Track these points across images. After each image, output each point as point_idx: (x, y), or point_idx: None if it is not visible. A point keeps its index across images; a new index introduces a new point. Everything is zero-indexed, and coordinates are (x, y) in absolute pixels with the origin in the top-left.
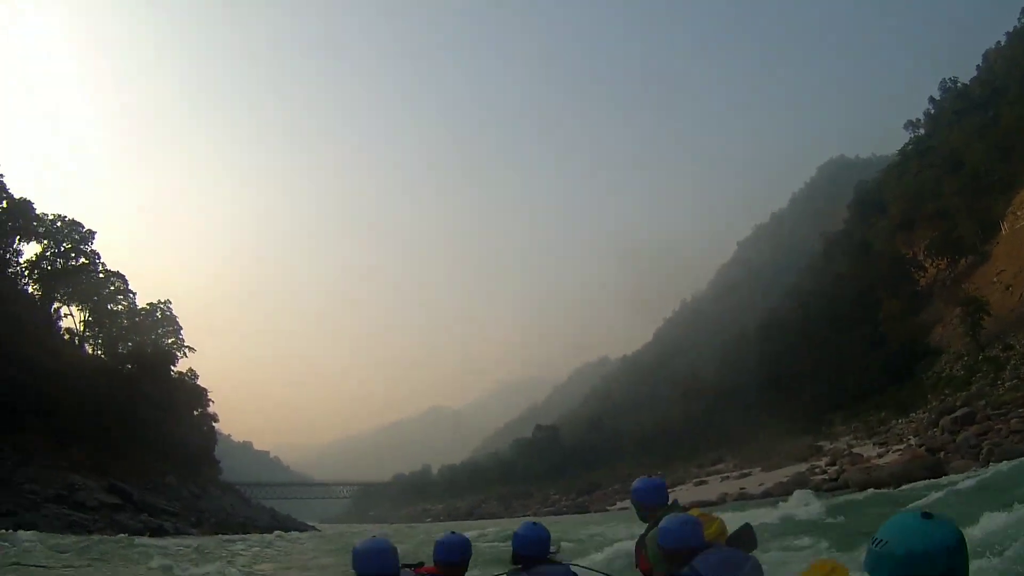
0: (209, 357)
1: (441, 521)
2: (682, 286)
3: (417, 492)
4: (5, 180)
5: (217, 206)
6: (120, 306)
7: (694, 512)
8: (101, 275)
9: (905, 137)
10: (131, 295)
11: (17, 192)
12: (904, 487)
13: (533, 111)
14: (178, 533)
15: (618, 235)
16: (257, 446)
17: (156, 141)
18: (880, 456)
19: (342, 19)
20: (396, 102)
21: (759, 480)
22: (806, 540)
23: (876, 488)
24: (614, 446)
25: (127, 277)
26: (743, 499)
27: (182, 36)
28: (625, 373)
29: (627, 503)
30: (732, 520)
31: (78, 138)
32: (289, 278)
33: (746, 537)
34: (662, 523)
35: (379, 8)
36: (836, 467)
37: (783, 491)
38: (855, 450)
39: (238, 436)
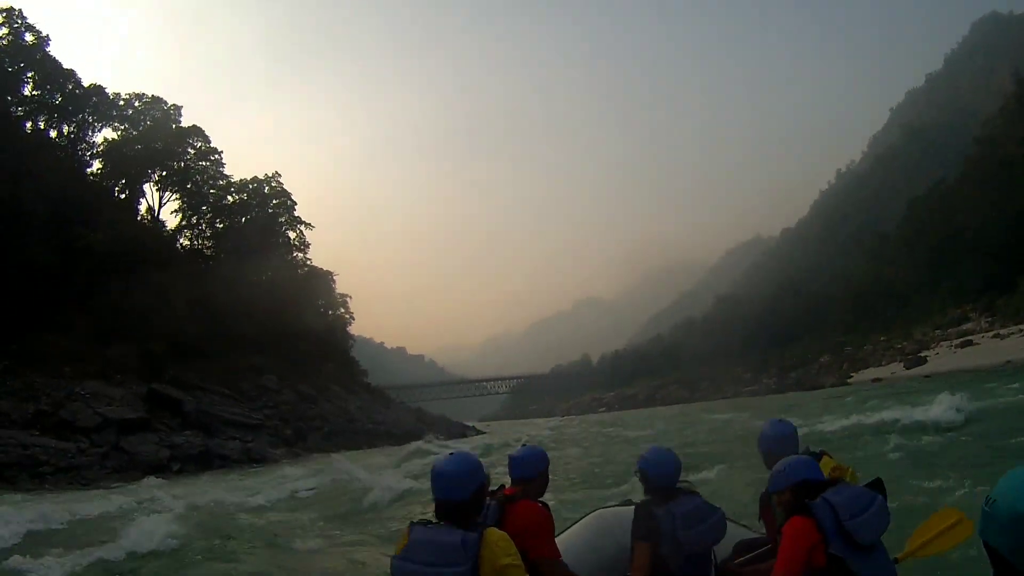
0: (354, 262)
1: (615, 410)
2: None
3: (579, 382)
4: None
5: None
6: (209, 179)
7: (829, 461)
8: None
9: None
10: (218, 154)
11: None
12: None
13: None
14: (250, 460)
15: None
16: (410, 351)
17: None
18: None
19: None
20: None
21: None
22: None
23: None
24: (813, 315)
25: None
26: None
27: None
28: (787, 247)
29: (880, 371)
30: None
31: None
32: (435, 183)
33: (878, 486)
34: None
35: None
36: None
37: None
38: None
39: (391, 343)
